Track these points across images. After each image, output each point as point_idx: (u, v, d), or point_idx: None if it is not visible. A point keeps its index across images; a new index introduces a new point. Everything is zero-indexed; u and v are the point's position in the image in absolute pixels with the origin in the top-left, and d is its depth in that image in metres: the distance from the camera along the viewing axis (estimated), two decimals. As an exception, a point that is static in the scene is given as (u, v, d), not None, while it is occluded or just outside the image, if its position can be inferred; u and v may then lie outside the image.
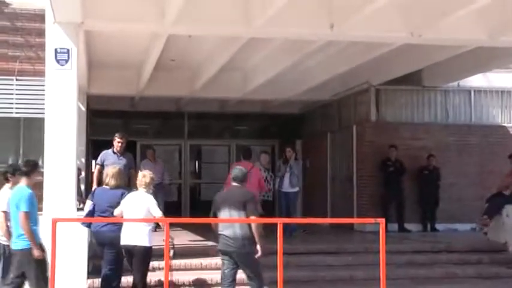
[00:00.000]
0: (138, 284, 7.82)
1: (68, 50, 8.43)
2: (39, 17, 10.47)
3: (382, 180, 13.97)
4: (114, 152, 10.21)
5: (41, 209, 8.47)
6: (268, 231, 7.35)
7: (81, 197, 11.51)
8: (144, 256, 7.73)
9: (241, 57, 11.66)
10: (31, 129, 12.18)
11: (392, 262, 8.93)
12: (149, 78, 13.07)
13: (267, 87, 13.97)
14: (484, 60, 12.11)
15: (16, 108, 12.35)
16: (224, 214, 7.45)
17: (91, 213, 8.21)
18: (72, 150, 8.46)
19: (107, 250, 8.07)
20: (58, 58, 8.42)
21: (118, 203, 8.01)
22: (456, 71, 13.33)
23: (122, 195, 8.07)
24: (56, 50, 8.42)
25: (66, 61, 8.43)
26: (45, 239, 7.41)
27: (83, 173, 13.26)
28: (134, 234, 7.66)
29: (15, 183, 7.50)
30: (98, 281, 8.44)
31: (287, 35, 9.68)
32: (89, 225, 8.32)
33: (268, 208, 12.62)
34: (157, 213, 7.75)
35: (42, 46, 9.67)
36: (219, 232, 7.48)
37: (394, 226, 13.43)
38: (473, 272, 10.04)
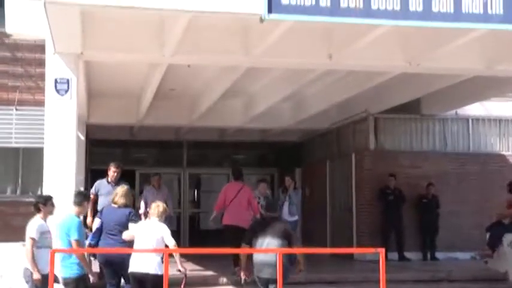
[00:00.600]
0: None
1: (68, 80, 8.48)
2: (40, 47, 10.53)
3: (381, 208, 13.95)
4: (108, 182, 10.16)
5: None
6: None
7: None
8: (156, 284, 7.54)
9: (240, 86, 11.72)
10: (30, 159, 12.18)
11: (392, 292, 8.86)
12: (148, 108, 13.12)
13: (266, 115, 14.03)
14: (481, 89, 12.17)
15: (15, 138, 12.36)
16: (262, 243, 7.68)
17: (99, 231, 8.32)
18: (71, 179, 8.46)
19: (111, 269, 8.13)
20: (58, 88, 8.45)
21: (126, 222, 8.11)
22: (454, 100, 13.38)
23: (130, 214, 8.22)
24: (56, 80, 8.47)
25: (66, 91, 8.47)
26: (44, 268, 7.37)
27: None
28: (146, 262, 7.60)
29: (46, 214, 7.54)
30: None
31: (286, 65, 9.74)
32: (96, 243, 8.34)
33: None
34: (172, 242, 7.74)
35: (42, 76, 9.72)
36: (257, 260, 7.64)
37: (394, 255, 13.37)
38: (474, 302, 9.99)
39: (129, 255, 7.79)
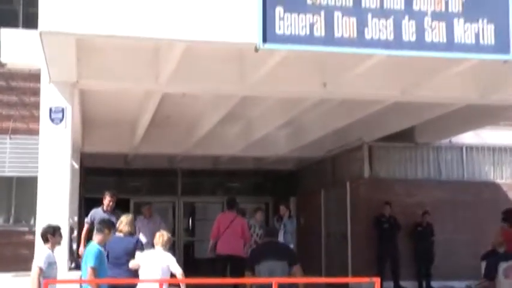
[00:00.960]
0: None
1: (63, 108, 8.48)
2: (34, 76, 10.57)
3: (376, 236, 13.89)
4: (104, 211, 10.14)
5: (31, 269, 8.38)
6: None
7: (73, 257, 11.38)
8: None
9: (235, 114, 11.75)
10: (23, 188, 12.15)
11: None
12: (143, 136, 13.12)
13: (261, 144, 14.05)
14: (475, 117, 12.23)
15: (9, 167, 12.33)
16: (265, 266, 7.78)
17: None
18: (65, 209, 8.41)
19: None
20: (53, 117, 8.46)
21: (133, 251, 8.17)
22: (448, 128, 13.44)
23: (137, 243, 8.33)
24: (50, 108, 8.47)
25: (61, 120, 8.47)
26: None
27: (76, 232, 13.14)
28: None
29: (54, 244, 7.54)
30: None
31: (280, 93, 9.78)
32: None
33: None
34: (178, 270, 7.74)
35: (36, 105, 9.75)
36: None
37: (390, 283, 13.30)
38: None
39: (135, 284, 7.81)
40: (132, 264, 8.07)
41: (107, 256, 8.20)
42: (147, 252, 8.17)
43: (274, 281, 6.61)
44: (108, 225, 7.82)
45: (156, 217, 12.77)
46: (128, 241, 8.35)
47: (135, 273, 8.02)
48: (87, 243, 9.70)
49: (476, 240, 13.79)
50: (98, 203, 10.54)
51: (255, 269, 7.82)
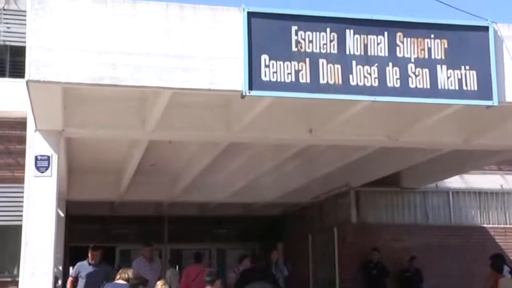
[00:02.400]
0: None
1: (49, 157, 8.42)
2: (20, 124, 10.53)
3: (364, 282, 13.80)
4: (89, 263, 9.98)
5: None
6: None
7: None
8: None
9: (221, 161, 11.74)
10: (7, 237, 11.97)
11: None
12: (129, 183, 13.06)
13: (247, 190, 14.02)
14: (460, 162, 12.30)
15: (-8, 216, 12.18)
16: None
17: None
18: (50, 258, 8.28)
19: None
20: (38, 165, 8.39)
21: None
22: (433, 173, 13.50)
23: None
24: (36, 157, 8.41)
25: (47, 168, 8.40)
26: None
27: (60, 282, 12.94)
28: None
29: None
30: None
31: (266, 140, 9.81)
32: None
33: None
34: None
35: (22, 153, 9.67)
36: None
37: (379, 331, 13.16)
38: None
39: None
40: None
41: None
42: None
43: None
44: (218, 276, 8.14)
45: (157, 261, 11.96)
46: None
47: None
48: None
49: (464, 285, 13.72)
50: (84, 250, 10.41)
51: None
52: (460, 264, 14.35)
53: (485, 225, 15.11)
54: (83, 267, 10.00)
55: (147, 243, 11.73)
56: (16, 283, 8.86)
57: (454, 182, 14.76)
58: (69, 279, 10.02)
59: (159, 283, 8.26)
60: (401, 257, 14.12)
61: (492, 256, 11.98)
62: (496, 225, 15.18)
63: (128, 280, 8.63)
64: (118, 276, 8.71)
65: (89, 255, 10.02)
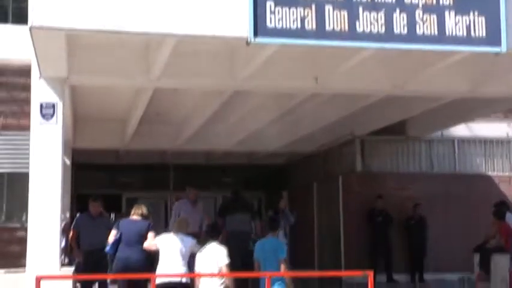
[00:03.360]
0: None
1: (54, 104, 8.44)
2: (24, 72, 10.49)
3: (369, 230, 13.93)
4: (89, 215, 10.02)
5: (24, 265, 8.37)
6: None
7: (67, 252, 11.35)
8: None
9: (226, 109, 11.72)
10: (15, 185, 12.08)
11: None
12: (134, 132, 13.08)
13: (252, 139, 14.03)
14: (466, 110, 12.26)
15: (0, 163, 12.26)
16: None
17: (117, 242, 8.67)
18: (57, 205, 8.38)
19: (125, 281, 8.44)
20: (44, 113, 8.41)
21: (146, 232, 8.59)
22: (439, 121, 13.47)
23: (149, 226, 8.69)
24: (41, 104, 8.43)
25: (52, 116, 8.42)
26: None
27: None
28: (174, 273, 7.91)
29: None
30: None
31: (271, 88, 9.76)
32: (115, 252, 8.69)
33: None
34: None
35: (27, 101, 9.68)
36: None
37: (383, 277, 13.33)
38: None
39: (147, 264, 8.38)
40: (146, 244, 8.48)
41: (120, 237, 8.67)
42: (166, 236, 8.40)
43: (267, 275, 6.61)
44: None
45: (200, 204, 11.94)
46: (142, 223, 8.75)
47: (147, 254, 8.51)
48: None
49: (468, 233, 13.83)
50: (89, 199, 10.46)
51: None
52: (464, 212, 14.43)
53: (490, 174, 15.14)
54: (84, 219, 10.05)
55: (193, 185, 11.91)
56: (25, 229, 8.99)
57: (460, 130, 14.73)
58: (73, 231, 10.06)
59: (177, 219, 8.62)
60: (406, 205, 14.20)
61: (496, 204, 12.05)
62: (501, 174, 15.21)
63: (142, 216, 8.89)
64: (133, 212, 8.98)
65: (90, 207, 10.05)
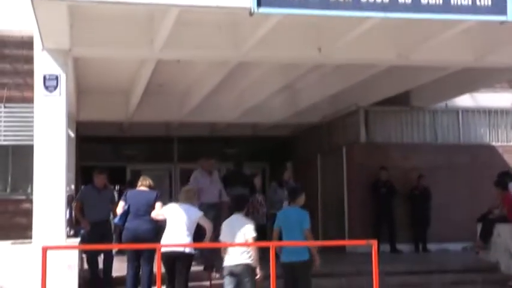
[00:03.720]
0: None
1: (57, 76, 8.43)
2: (27, 43, 10.45)
3: (373, 201, 13.97)
4: (94, 187, 10.04)
5: (30, 237, 8.44)
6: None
7: (72, 223, 11.43)
8: (190, 262, 8.22)
9: (230, 81, 11.70)
10: (20, 157, 12.10)
11: (385, 284, 8.87)
12: (138, 104, 13.07)
13: (256, 110, 14.02)
14: (470, 80, 12.21)
15: (4, 135, 12.28)
16: None
17: (126, 214, 8.80)
18: (62, 177, 8.42)
19: (134, 251, 8.68)
20: (47, 84, 8.41)
21: (154, 202, 8.77)
22: (443, 92, 13.42)
23: (157, 196, 8.89)
24: (44, 76, 8.42)
25: (55, 87, 8.42)
26: (35, 268, 7.35)
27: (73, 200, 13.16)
28: (179, 243, 8.02)
29: None
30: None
31: (275, 59, 9.73)
32: (123, 223, 8.83)
33: (262, 232, 12.52)
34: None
35: (30, 73, 9.67)
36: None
37: (386, 247, 13.40)
38: (467, 292, 10.01)
39: (155, 233, 8.57)
40: (154, 214, 8.63)
41: (128, 208, 8.79)
42: (173, 205, 8.45)
43: (272, 244, 6.65)
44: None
45: (216, 174, 11.45)
46: (150, 194, 8.93)
47: (156, 224, 8.66)
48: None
49: (472, 203, 13.88)
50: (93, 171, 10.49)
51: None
52: (468, 182, 14.45)
53: (494, 144, 15.12)
54: (89, 191, 10.09)
55: (207, 156, 11.32)
56: (30, 201, 9.04)
57: (464, 100, 14.68)
58: (77, 203, 10.10)
59: (183, 189, 8.66)
60: (410, 176, 14.22)
61: (499, 174, 12.08)
62: (505, 144, 15.19)
63: (149, 186, 9.03)
64: (140, 183, 9.09)
65: (94, 179, 10.08)
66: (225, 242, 7.62)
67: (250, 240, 7.49)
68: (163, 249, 7.75)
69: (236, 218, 7.77)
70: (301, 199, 8.17)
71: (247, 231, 7.59)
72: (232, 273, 7.53)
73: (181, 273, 8.13)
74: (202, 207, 9.26)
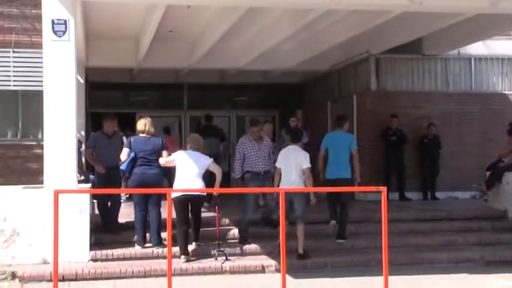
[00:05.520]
0: (197, 228, 8.87)
1: (66, 21, 8.35)
2: (34, -13, 10.36)
3: (383, 149, 13.95)
4: (103, 133, 9.99)
5: (41, 182, 8.51)
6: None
7: (82, 169, 11.50)
8: (199, 204, 8.80)
9: (240, 27, 11.57)
10: (29, 102, 12.12)
11: (393, 231, 8.94)
12: (148, 50, 12.98)
13: (266, 57, 13.91)
14: (484, 27, 12.01)
15: (14, 81, 12.27)
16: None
17: (132, 160, 8.91)
18: (72, 122, 8.42)
19: (141, 195, 8.86)
20: (55, 29, 8.33)
21: (161, 149, 8.98)
22: (456, 39, 13.23)
23: (163, 142, 9.11)
24: (53, 21, 8.33)
25: (64, 32, 8.35)
26: (47, 212, 7.44)
27: (83, 146, 13.23)
28: (192, 187, 8.34)
29: None
30: (100, 253, 8.50)
31: (286, 5, 9.58)
32: (130, 170, 8.94)
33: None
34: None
35: (38, 17, 9.57)
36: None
37: (395, 195, 13.44)
38: (475, 239, 10.07)
39: (162, 178, 8.93)
40: (162, 161, 8.85)
41: (134, 156, 8.91)
42: (182, 153, 8.77)
43: (282, 190, 6.68)
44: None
45: (267, 139, 10.00)
46: (156, 140, 9.09)
47: (163, 169, 8.96)
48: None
49: (482, 151, 13.85)
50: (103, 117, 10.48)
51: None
52: (478, 130, 14.39)
53: (505, 92, 14.98)
54: (99, 138, 10.03)
55: (253, 123, 9.82)
56: (41, 147, 9.08)
57: (476, 48, 14.48)
58: (88, 150, 10.05)
59: (188, 138, 9.12)
60: (420, 124, 14.16)
61: (511, 122, 12.00)
62: (517, 91, 15.07)
63: (153, 135, 9.16)
64: (142, 129, 9.17)
65: (104, 126, 10.03)
66: (279, 169, 8.62)
67: (306, 171, 8.49)
68: (175, 195, 8.00)
69: (292, 148, 8.71)
70: (346, 126, 9.72)
71: (305, 161, 8.52)
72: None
73: (196, 214, 8.70)
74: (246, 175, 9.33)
